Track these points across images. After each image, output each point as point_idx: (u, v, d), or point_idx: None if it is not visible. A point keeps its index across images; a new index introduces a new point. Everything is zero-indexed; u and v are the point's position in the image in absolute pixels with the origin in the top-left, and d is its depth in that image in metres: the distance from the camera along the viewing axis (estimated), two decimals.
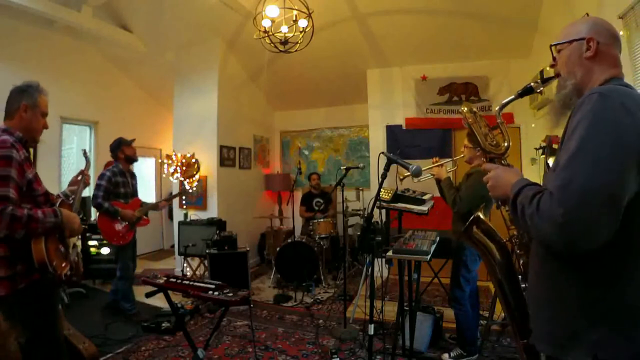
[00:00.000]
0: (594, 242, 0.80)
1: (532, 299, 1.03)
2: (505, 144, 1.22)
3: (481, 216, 1.19)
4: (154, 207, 3.78)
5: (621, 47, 1.04)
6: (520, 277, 1.14)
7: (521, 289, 1.11)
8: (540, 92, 1.13)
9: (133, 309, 3.51)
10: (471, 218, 1.21)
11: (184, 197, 5.04)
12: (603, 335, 0.84)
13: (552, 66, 1.11)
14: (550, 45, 1.10)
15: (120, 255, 3.50)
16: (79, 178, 2.02)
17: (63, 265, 1.70)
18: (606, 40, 1.01)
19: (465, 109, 1.36)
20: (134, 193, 3.65)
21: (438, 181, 2.73)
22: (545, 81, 1.11)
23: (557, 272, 0.93)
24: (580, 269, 0.88)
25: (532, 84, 1.14)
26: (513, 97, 1.21)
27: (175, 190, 5.12)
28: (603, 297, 0.86)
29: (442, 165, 2.74)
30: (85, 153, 2.22)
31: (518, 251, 1.17)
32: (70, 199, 1.94)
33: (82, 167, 2.08)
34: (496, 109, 1.24)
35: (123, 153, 3.54)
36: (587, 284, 0.88)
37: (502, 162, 1.21)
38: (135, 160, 3.63)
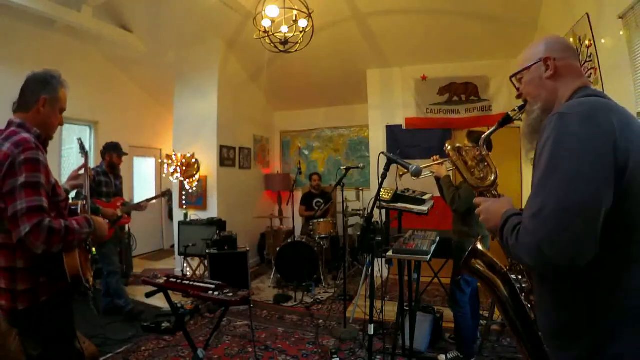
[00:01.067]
0: (579, 260, 0.78)
1: (541, 325, 1.00)
2: (492, 177, 1.22)
3: (480, 248, 1.18)
4: (137, 207, 3.80)
5: (578, 57, 1.04)
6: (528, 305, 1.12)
7: (530, 319, 1.08)
8: (520, 119, 1.15)
9: (128, 305, 3.52)
10: (469, 250, 1.20)
11: (184, 197, 5.05)
12: (622, 346, 0.82)
13: (517, 97, 1.11)
14: (510, 77, 1.12)
15: (103, 252, 3.50)
16: (80, 173, 1.87)
17: (92, 275, 1.62)
18: (562, 55, 1.01)
19: (449, 147, 1.39)
20: (117, 193, 3.69)
21: (437, 179, 2.73)
22: (522, 108, 1.11)
23: (555, 294, 0.91)
24: (577, 286, 0.86)
25: (510, 112, 1.15)
26: (494, 127, 1.22)
27: (176, 191, 5.14)
28: (607, 306, 0.83)
29: (442, 163, 2.75)
30: (81, 143, 2.01)
31: (519, 277, 1.16)
32: (82, 198, 1.82)
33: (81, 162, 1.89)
34: (480, 141, 1.25)
35: (111, 157, 3.62)
36: (587, 298, 0.85)
37: (493, 192, 1.21)
38: (116, 169, 3.70)
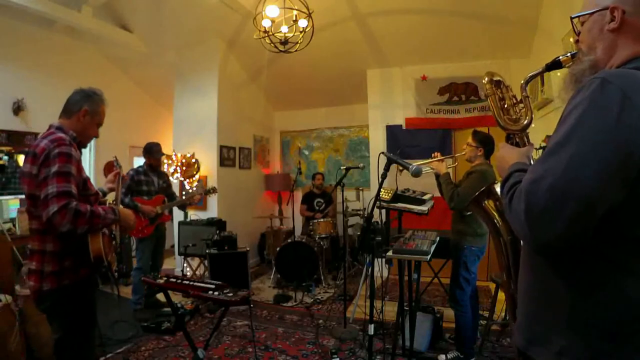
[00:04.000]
0: (550, 246, 0.75)
1: (519, 287, 0.98)
2: (525, 122, 1.13)
3: (497, 189, 1.13)
4: (187, 201, 3.87)
5: None
6: None
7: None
8: (569, 67, 1.03)
9: (137, 304, 3.57)
10: (485, 187, 1.18)
11: (184, 197, 5.05)
12: (570, 343, 0.79)
13: (576, 42, 0.98)
14: (571, 18, 0.97)
15: (139, 248, 3.66)
16: (115, 178, 2.10)
17: (115, 260, 1.78)
18: (635, 9, 0.83)
19: (486, 79, 1.23)
20: (159, 191, 3.78)
21: (437, 176, 2.73)
22: (575, 55, 0.98)
23: (540, 268, 0.88)
24: (562, 272, 0.82)
25: (561, 57, 1.03)
26: (540, 70, 1.11)
27: (176, 191, 5.14)
28: (576, 306, 0.80)
29: (442, 160, 2.74)
30: (116, 159, 2.31)
31: None
32: (113, 201, 2.03)
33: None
34: (522, 82, 1.15)
35: (149, 160, 3.76)
36: (564, 289, 0.81)
37: (518, 139, 1.13)
38: (155, 169, 3.82)
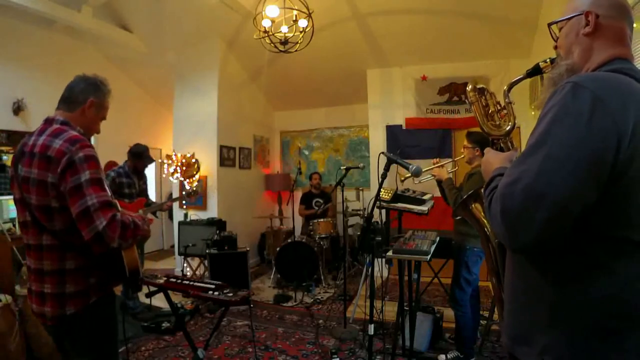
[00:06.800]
0: (528, 246, 0.77)
1: (505, 287, 0.99)
2: (507, 127, 1.16)
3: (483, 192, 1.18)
4: (159, 207, 3.78)
5: (632, 21, 0.89)
6: None
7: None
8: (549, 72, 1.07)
9: (137, 307, 3.55)
10: (472, 192, 1.20)
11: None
12: (552, 341, 0.80)
13: (555, 47, 1.00)
14: (549, 24, 1.00)
15: None
16: None
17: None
18: (608, 13, 0.87)
19: (470, 86, 1.27)
20: (141, 193, 3.68)
21: (439, 182, 2.73)
22: (554, 61, 1.01)
23: (522, 267, 0.89)
24: (543, 271, 0.83)
25: (540, 63, 1.06)
26: (521, 76, 1.15)
27: (176, 191, 5.14)
28: (558, 304, 0.80)
29: (442, 166, 2.74)
30: None
31: None
32: None
33: None
34: (504, 89, 1.18)
35: (136, 164, 3.61)
36: (546, 287, 0.82)
37: (502, 144, 1.16)
38: (138, 173, 3.68)
